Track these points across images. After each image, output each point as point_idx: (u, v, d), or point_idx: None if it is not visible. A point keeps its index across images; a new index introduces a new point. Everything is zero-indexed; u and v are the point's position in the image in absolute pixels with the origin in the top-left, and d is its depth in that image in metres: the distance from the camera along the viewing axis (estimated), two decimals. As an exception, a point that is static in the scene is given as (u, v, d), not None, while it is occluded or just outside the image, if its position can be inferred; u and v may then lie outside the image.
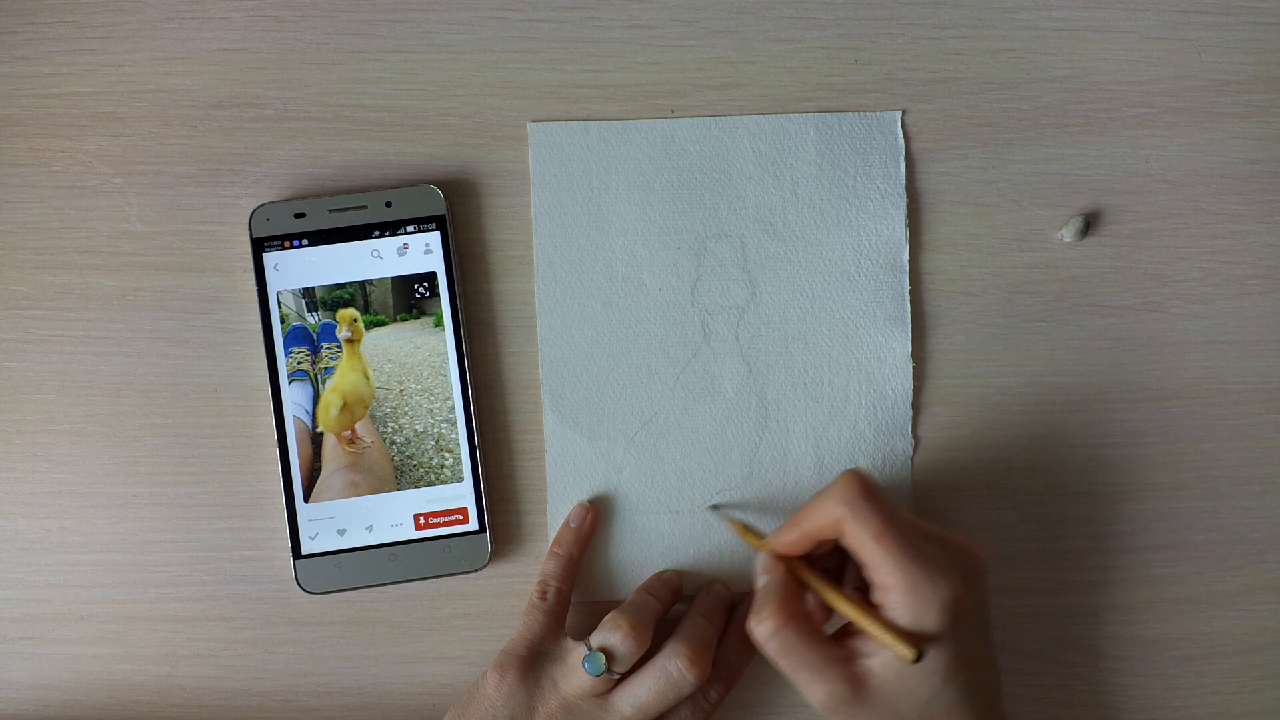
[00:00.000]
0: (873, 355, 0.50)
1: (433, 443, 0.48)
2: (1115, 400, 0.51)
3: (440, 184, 0.49)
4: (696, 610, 0.47)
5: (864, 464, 0.50)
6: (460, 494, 0.48)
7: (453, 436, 0.48)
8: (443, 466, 0.48)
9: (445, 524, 0.48)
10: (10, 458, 0.49)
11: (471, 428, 0.48)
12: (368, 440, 0.48)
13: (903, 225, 0.50)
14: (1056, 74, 0.50)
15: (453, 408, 0.48)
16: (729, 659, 0.46)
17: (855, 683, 0.40)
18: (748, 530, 0.47)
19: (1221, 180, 0.51)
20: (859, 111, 0.50)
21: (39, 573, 0.49)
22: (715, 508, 0.49)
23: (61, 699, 0.49)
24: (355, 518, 0.48)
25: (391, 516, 0.48)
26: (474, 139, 0.49)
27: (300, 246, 0.48)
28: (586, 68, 0.50)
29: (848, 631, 0.42)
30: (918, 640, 0.39)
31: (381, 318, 0.48)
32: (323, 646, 0.49)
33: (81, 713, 0.49)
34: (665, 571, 0.49)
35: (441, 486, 0.48)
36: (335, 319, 0.48)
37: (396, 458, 0.48)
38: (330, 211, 0.48)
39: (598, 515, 0.49)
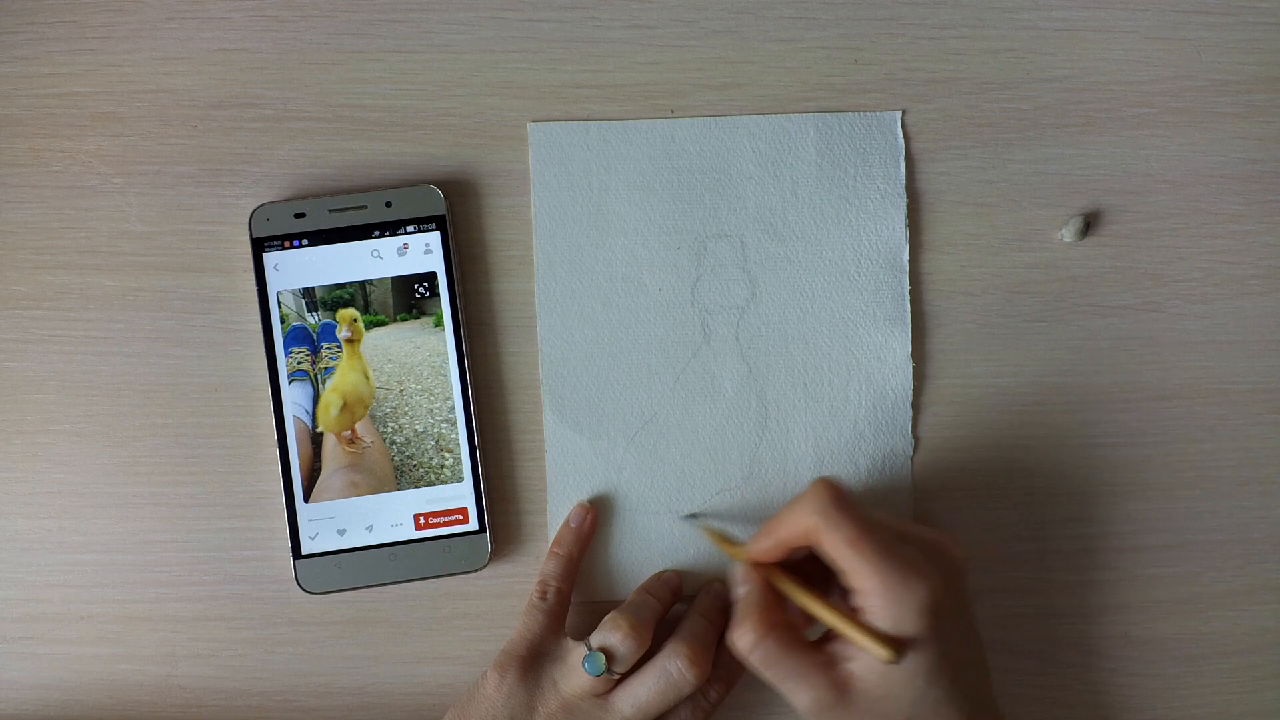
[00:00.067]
0: (873, 355, 0.50)
1: (433, 443, 0.48)
2: (1115, 400, 0.51)
3: (440, 184, 0.49)
4: (696, 610, 0.47)
5: (864, 464, 0.50)
6: (460, 494, 0.48)
7: (453, 436, 0.48)
8: (443, 466, 0.48)
9: (445, 524, 0.48)
10: (10, 458, 0.49)
11: (471, 428, 0.48)
12: (368, 440, 0.48)
13: (903, 225, 0.50)
14: (1056, 74, 0.50)
15: (453, 408, 0.48)
16: (729, 659, 0.46)
17: (839, 687, 0.40)
18: (724, 539, 0.47)
19: (1221, 180, 0.51)
20: (859, 111, 0.50)
21: (39, 573, 0.49)
22: (691, 516, 0.49)
23: (61, 699, 0.49)
24: (355, 518, 0.48)
25: (391, 516, 0.48)
26: (474, 139, 0.49)
27: (300, 246, 0.48)
28: (586, 68, 0.50)
29: (830, 636, 0.42)
30: (896, 642, 0.39)
31: (381, 318, 0.48)
32: (323, 646, 0.49)
33: (81, 713, 0.49)
34: (665, 571, 0.49)
35: (441, 486, 0.48)
36: (335, 319, 0.48)
37: (396, 458, 0.48)
38: (330, 211, 0.48)
39: (598, 515, 0.49)
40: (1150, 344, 0.51)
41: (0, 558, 0.49)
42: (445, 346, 0.48)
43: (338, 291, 0.48)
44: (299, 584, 0.48)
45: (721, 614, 0.47)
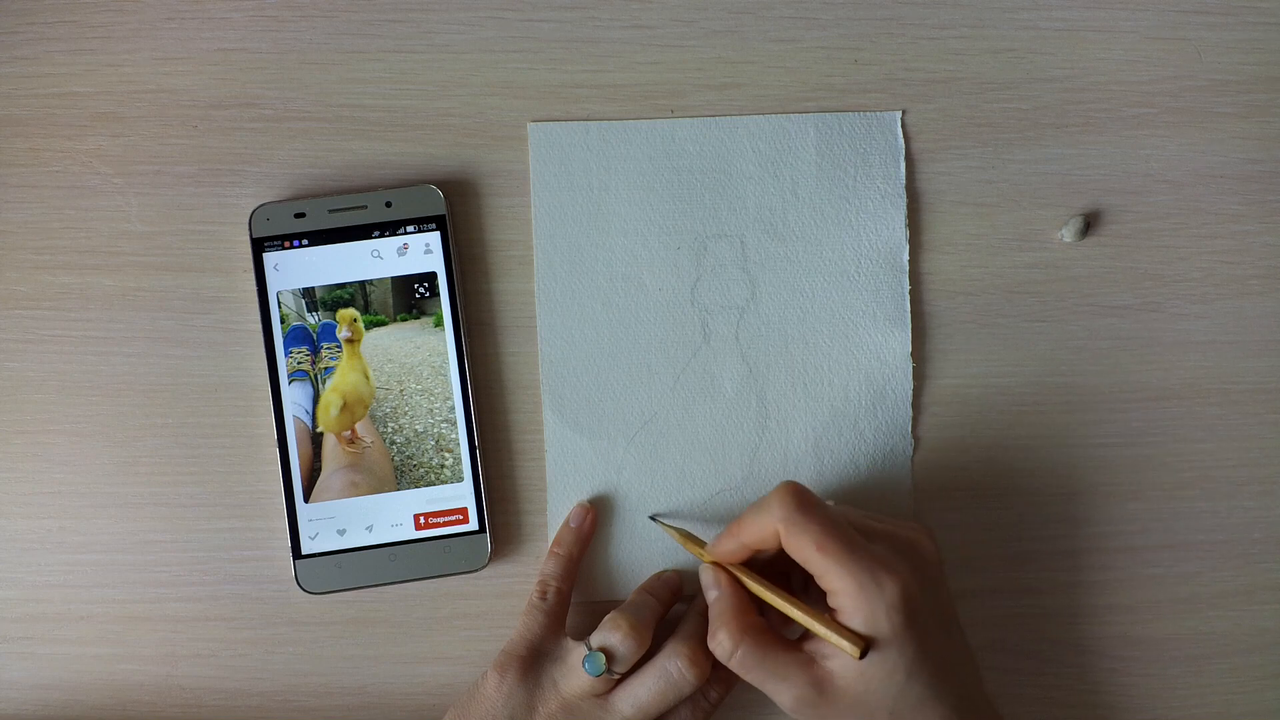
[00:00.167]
0: (873, 355, 0.50)
1: (433, 443, 0.48)
2: (1115, 400, 0.51)
3: (440, 184, 0.49)
4: (696, 610, 0.47)
5: (864, 464, 0.50)
6: (460, 494, 0.48)
7: (453, 436, 0.48)
8: (443, 466, 0.48)
9: (445, 524, 0.48)
10: (10, 458, 0.49)
11: (471, 428, 0.48)
12: (368, 440, 0.48)
13: (903, 225, 0.50)
14: (1056, 74, 0.50)
15: (453, 408, 0.48)
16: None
17: (819, 685, 0.40)
18: (688, 538, 0.47)
19: (1221, 180, 0.51)
20: (859, 111, 0.50)
21: (39, 573, 0.49)
22: (653, 518, 0.49)
23: (61, 699, 0.49)
24: (355, 518, 0.48)
25: (391, 516, 0.48)
26: (474, 139, 0.49)
27: (300, 246, 0.48)
28: (586, 68, 0.50)
29: (808, 635, 0.42)
30: (864, 638, 0.39)
31: (381, 318, 0.48)
32: (323, 646, 0.49)
33: (81, 713, 0.49)
34: (665, 571, 0.49)
35: (441, 486, 0.48)
36: (335, 319, 0.48)
37: (396, 458, 0.48)
38: (330, 211, 0.48)
39: (598, 515, 0.49)
40: (1150, 344, 0.51)
41: (0, 558, 0.49)
42: (445, 346, 0.48)
43: (338, 291, 0.48)
44: (299, 584, 0.48)
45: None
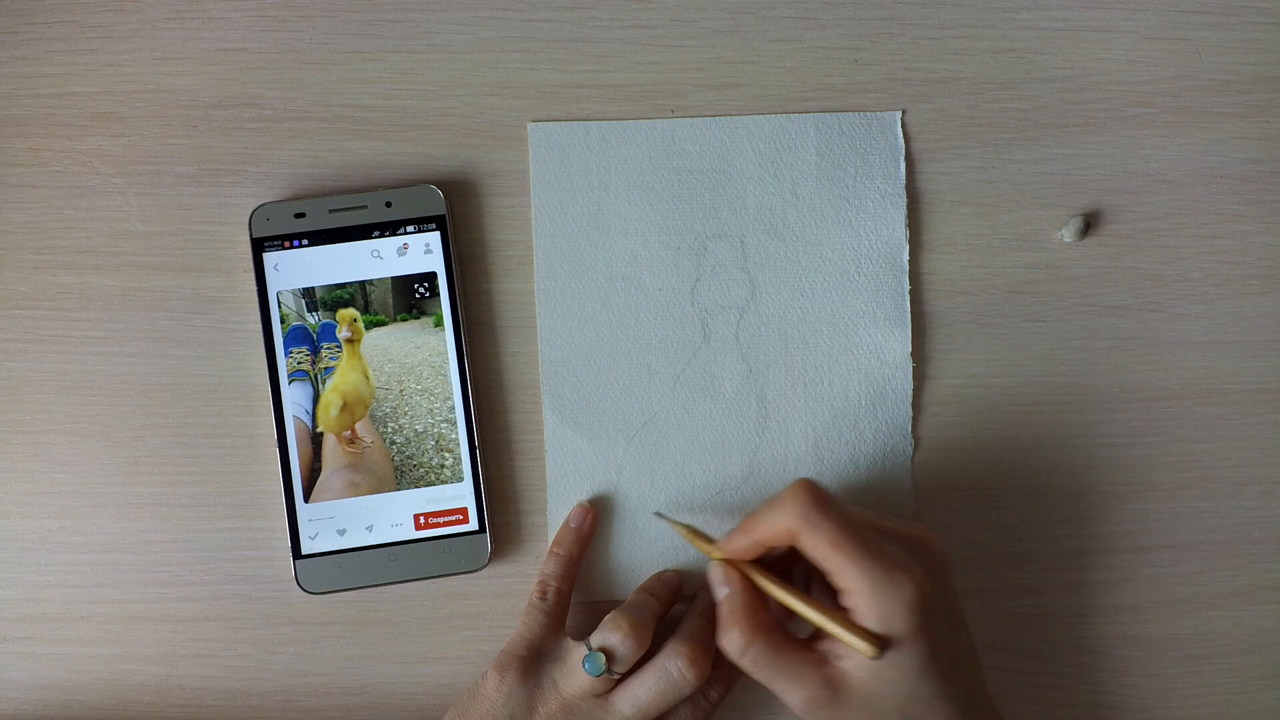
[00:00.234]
0: (873, 355, 0.50)
1: (433, 443, 0.48)
2: (1115, 400, 0.51)
3: (440, 184, 0.49)
4: (696, 610, 0.47)
5: (864, 464, 0.50)
6: (460, 494, 0.48)
7: (453, 436, 0.48)
8: (443, 466, 0.48)
9: (445, 524, 0.48)
10: (10, 458, 0.49)
11: (471, 428, 0.48)
12: (368, 440, 0.48)
13: (903, 225, 0.50)
14: (1056, 74, 0.50)
15: (453, 408, 0.48)
16: (729, 659, 0.46)
17: (832, 685, 0.40)
18: (696, 534, 0.46)
19: (1221, 180, 0.51)
20: (859, 111, 0.50)
21: (39, 573, 0.49)
22: (659, 514, 0.49)
23: (61, 699, 0.49)
24: (355, 518, 0.48)
25: (391, 516, 0.48)
26: (474, 139, 0.49)
27: (300, 246, 0.48)
28: (586, 68, 0.50)
29: (820, 634, 0.42)
30: (879, 638, 0.39)
31: (381, 318, 0.48)
32: (323, 646, 0.49)
33: (81, 713, 0.49)
34: (665, 571, 0.49)
35: (441, 486, 0.48)
36: (335, 319, 0.48)
37: (396, 458, 0.48)
38: (330, 211, 0.48)
39: (598, 515, 0.49)
40: (1150, 344, 0.51)
41: (0, 558, 0.49)
42: (445, 346, 0.48)
43: (338, 291, 0.48)
44: (299, 584, 0.48)
45: (722, 614, 0.47)
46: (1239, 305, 0.51)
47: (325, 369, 0.48)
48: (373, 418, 0.48)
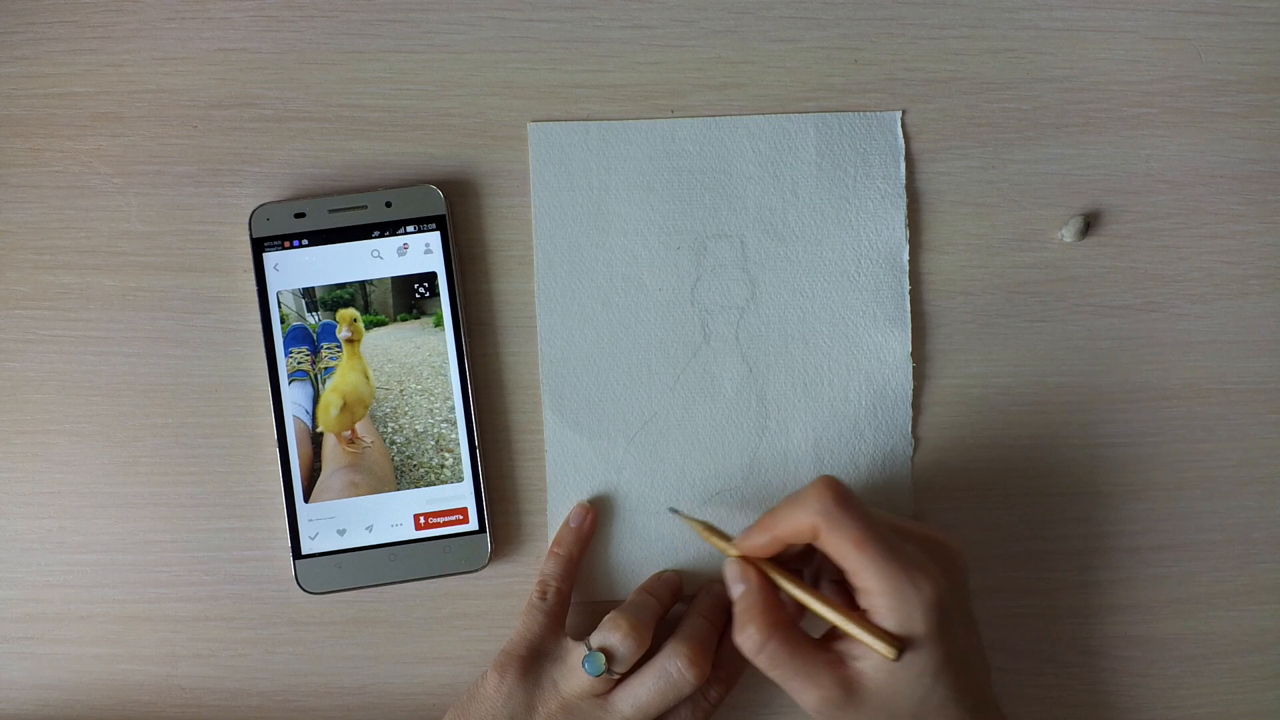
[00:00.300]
0: (873, 355, 0.50)
1: (433, 443, 0.48)
2: (1115, 400, 0.51)
3: (440, 184, 0.49)
4: (696, 610, 0.47)
5: (864, 464, 0.50)
6: (460, 494, 0.48)
7: (453, 436, 0.48)
8: (443, 466, 0.48)
9: (445, 524, 0.48)
10: (10, 458, 0.49)
11: (471, 428, 0.48)
12: (368, 440, 0.48)
13: (903, 225, 0.50)
14: (1056, 74, 0.50)
15: (453, 408, 0.48)
16: (729, 659, 0.46)
17: (847, 686, 0.40)
18: (711, 530, 0.46)
19: (1221, 180, 0.51)
20: (859, 111, 0.50)
21: (39, 573, 0.49)
22: (674, 510, 0.49)
23: (61, 699, 0.49)
24: (355, 518, 0.48)
25: (391, 516, 0.48)
26: (474, 139, 0.49)
27: (300, 246, 0.48)
28: (586, 68, 0.50)
29: (835, 634, 0.42)
30: (898, 639, 0.39)
31: (381, 318, 0.48)
32: (323, 646, 0.49)
33: (81, 713, 0.49)
34: (665, 571, 0.49)
35: (441, 486, 0.48)
36: (335, 319, 0.48)
37: (396, 458, 0.48)
38: (330, 211, 0.48)
39: (598, 515, 0.49)
40: (1150, 344, 0.51)
41: (0, 558, 0.49)
42: (445, 346, 0.48)
43: (338, 291, 0.48)
44: (299, 584, 0.48)
45: (722, 614, 0.47)
46: (1239, 305, 0.51)
47: (325, 369, 0.48)
48: (373, 418, 0.48)
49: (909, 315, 0.50)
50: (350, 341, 0.48)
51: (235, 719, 0.49)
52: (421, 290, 0.48)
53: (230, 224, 0.49)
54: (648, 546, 0.49)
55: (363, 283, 0.48)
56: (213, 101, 0.49)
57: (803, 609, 0.43)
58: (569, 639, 0.46)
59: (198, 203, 0.49)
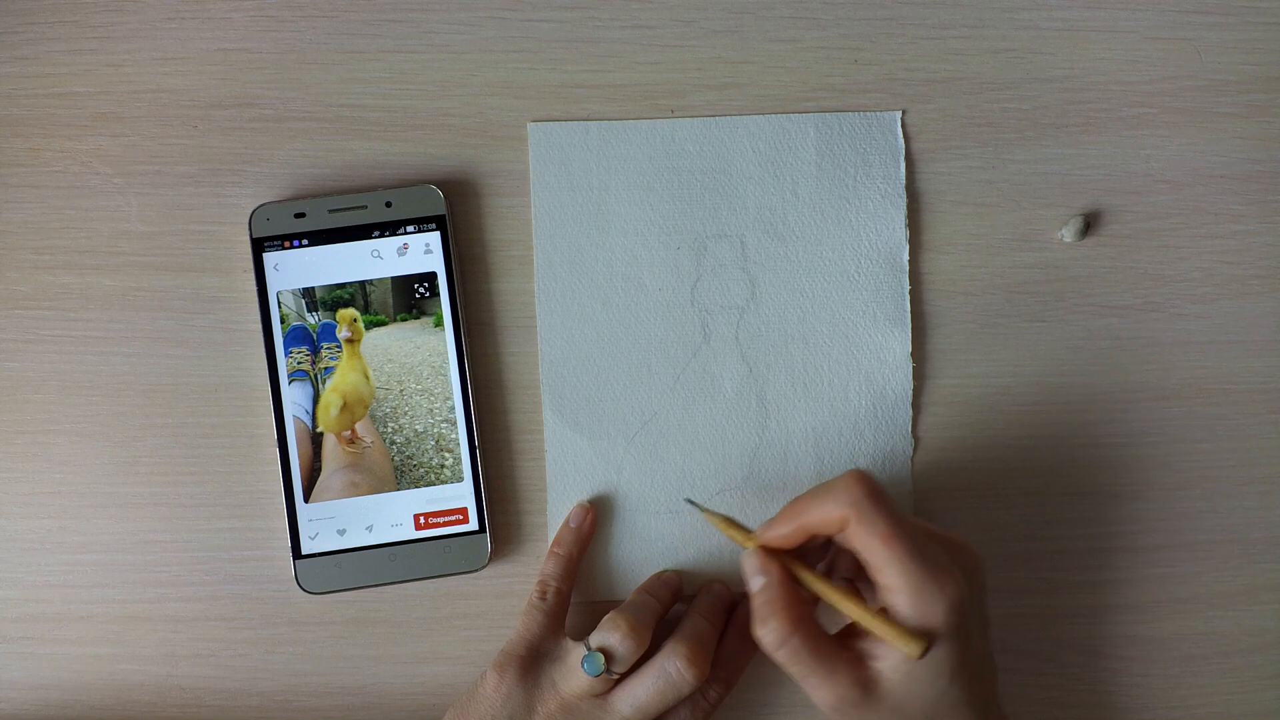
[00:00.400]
0: (873, 355, 0.50)
1: (433, 443, 0.48)
2: (1115, 400, 0.51)
3: (440, 184, 0.49)
4: (696, 610, 0.47)
5: (863, 464, 0.50)
6: (460, 494, 0.48)
7: (453, 436, 0.48)
8: (443, 466, 0.48)
9: (445, 524, 0.48)
10: (10, 458, 0.49)
11: (471, 428, 0.48)
12: (368, 440, 0.48)
13: (903, 225, 0.50)
14: (1056, 74, 0.50)
15: (453, 408, 0.48)
16: (728, 659, 0.46)
17: (865, 686, 0.40)
18: (730, 524, 0.45)
19: (1221, 180, 0.51)
20: (859, 111, 0.50)
21: (39, 573, 0.49)
22: (690, 502, 0.48)
23: (61, 699, 0.49)
24: (355, 518, 0.48)
25: (391, 516, 0.48)
26: (474, 139, 0.49)
27: (300, 246, 0.48)
28: (586, 68, 0.50)
29: (853, 632, 0.42)
30: (923, 637, 0.38)
31: (381, 318, 0.48)
32: (323, 646, 0.49)
33: (81, 713, 0.49)
34: (665, 571, 0.49)
35: (441, 486, 0.48)
36: (335, 319, 0.48)
37: (396, 458, 0.48)
38: (330, 211, 0.48)
39: (598, 515, 0.49)
40: (1150, 344, 0.51)
41: (0, 558, 0.49)
42: (445, 346, 0.48)
43: (338, 291, 0.48)
44: (299, 584, 0.48)
45: (721, 614, 0.47)
46: (1239, 305, 0.51)
47: (325, 369, 0.48)
48: (373, 418, 0.48)
49: (909, 315, 0.50)
50: (350, 341, 0.48)
51: (235, 719, 0.49)
52: (421, 290, 0.48)
53: (230, 224, 0.49)
54: (648, 546, 0.49)
55: (363, 283, 0.48)
56: (213, 101, 0.49)
57: (816, 601, 0.43)
58: (568, 639, 0.46)
59: (198, 203, 0.49)
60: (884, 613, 0.40)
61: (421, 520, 0.48)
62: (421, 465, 0.48)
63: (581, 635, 0.45)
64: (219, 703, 0.49)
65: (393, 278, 0.48)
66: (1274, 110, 0.51)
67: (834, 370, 0.50)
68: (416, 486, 0.48)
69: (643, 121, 0.50)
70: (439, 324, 0.48)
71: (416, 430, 0.48)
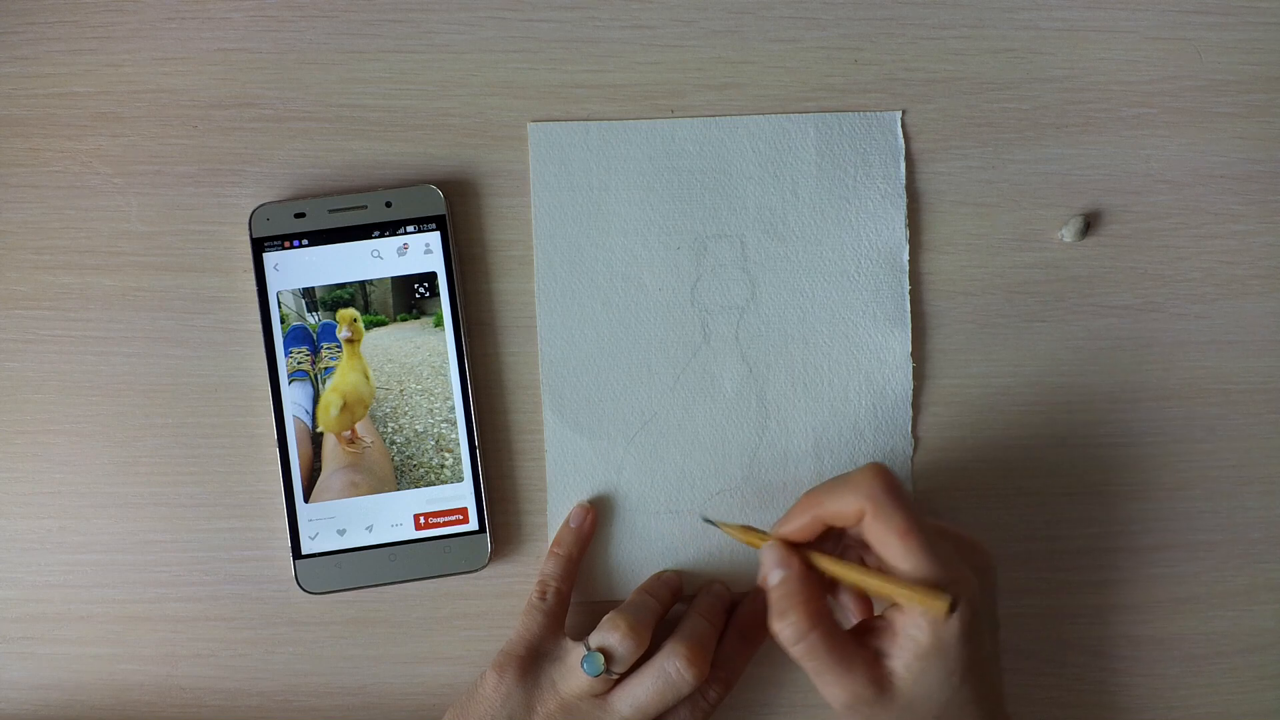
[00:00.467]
0: (873, 355, 0.50)
1: (433, 443, 0.48)
2: (1115, 400, 0.51)
3: (440, 184, 0.49)
4: (696, 610, 0.47)
5: (863, 463, 0.49)
6: (460, 494, 0.48)
7: (453, 436, 0.48)
8: (443, 466, 0.48)
9: (445, 524, 0.48)
10: (10, 458, 0.49)
11: (471, 428, 0.48)
12: (368, 440, 0.48)
13: (903, 225, 0.50)
14: (1056, 74, 0.50)
15: (453, 408, 0.48)
16: (728, 659, 0.46)
17: (879, 684, 0.40)
18: (749, 530, 0.45)
19: (1221, 180, 0.51)
20: (859, 111, 0.50)
21: (39, 573, 0.49)
22: (708, 520, 0.48)
23: (61, 699, 0.49)
24: (355, 518, 0.48)
25: (391, 516, 0.48)
26: (474, 139, 0.49)
27: (300, 246, 0.48)
28: (586, 68, 0.50)
29: (868, 628, 0.42)
30: (949, 598, 0.38)
31: (381, 318, 0.48)
32: (323, 646, 0.49)
33: (81, 713, 0.49)
34: (665, 571, 0.49)
35: (441, 486, 0.48)
36: (335, 319, 0.48)
37: (396, 458, 0.48)
38: (330, 211, 0.48)
39: (598, 515, 0.49)
40: (1150, 344, 0.51)
41: (0, 558, 0.49)
42: (445, 346, 0.48)
43: (338, 291, 0.48)
44: (299, 584, 0.48)
45: (721, 614, 0.47)
46: (1239, 305, 0.51)
47: (325, 369, 0.48)
48: (373, 418, 0.48)
49: (909, 315, 0.50)
50: (350, 341, 0.48)
51: (235, 719, 0.49)
52: (421, 290, 0.48)
53: (230, 224, 0.49)
54: (648, 546, 0.49)
55: (363, 283, 0.48)
56: (213, 101, 0.49)
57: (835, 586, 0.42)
58: (568, 639, 0.46)
59: (198, 203, 0.49)
60: (895, 609, 0.40)
61: (421, 520, 0.48)
62: (421, 465, 0.48)
63: (581, 635, 0.45)
64: (219, 703, 0.49)
65: (393, 278, 0.48)
66: (1274, 110, 0.51)
67: (834, 370, 0.50)
68: (416, 486, 0.48)
69: (643, 121, 0.50)
70: (439, 324, 0.48)
71: (416, 430, 0.48)
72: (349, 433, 0.48)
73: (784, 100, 0.50)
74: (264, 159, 0.49)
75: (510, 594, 0.49)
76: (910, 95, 0.50)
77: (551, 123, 0.49)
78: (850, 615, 0.45)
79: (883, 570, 0.40)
